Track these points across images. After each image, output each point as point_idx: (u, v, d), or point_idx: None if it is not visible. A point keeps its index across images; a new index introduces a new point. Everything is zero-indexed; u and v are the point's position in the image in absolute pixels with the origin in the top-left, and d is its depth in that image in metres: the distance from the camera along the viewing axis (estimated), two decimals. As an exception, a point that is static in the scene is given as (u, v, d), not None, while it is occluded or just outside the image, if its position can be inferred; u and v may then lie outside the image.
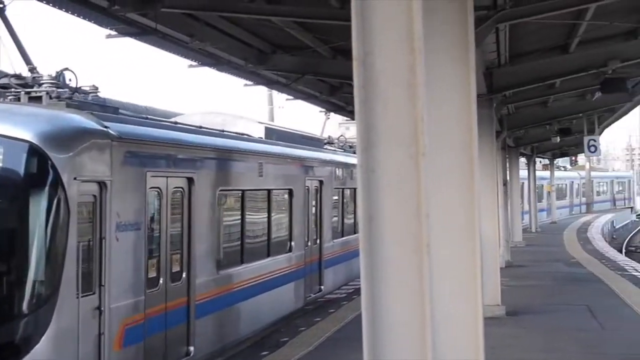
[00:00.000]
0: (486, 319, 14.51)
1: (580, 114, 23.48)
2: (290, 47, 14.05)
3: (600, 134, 25.75)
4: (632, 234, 53.61)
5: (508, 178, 30.39)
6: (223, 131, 13.27)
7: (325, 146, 20.36)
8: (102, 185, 8.68)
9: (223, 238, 12.62)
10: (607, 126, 29.41)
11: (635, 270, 23.18)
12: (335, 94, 18.55)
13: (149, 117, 11.32)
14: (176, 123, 11.97)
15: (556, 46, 14.95)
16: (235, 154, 12.93)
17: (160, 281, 10.14)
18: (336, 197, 19.72)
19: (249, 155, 13.60)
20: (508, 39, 12.93)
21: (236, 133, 13.96)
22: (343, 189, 20.13)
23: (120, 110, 10.26)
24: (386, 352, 3.22)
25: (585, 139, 23.12)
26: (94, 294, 8.58)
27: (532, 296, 17.61)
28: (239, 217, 13.36)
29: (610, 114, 25.82)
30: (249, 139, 14.29)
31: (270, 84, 16.11)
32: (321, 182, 17.87)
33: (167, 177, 10.40)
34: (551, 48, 15.04)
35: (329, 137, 22.45)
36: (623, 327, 13.54)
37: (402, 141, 3.17)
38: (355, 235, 19.81)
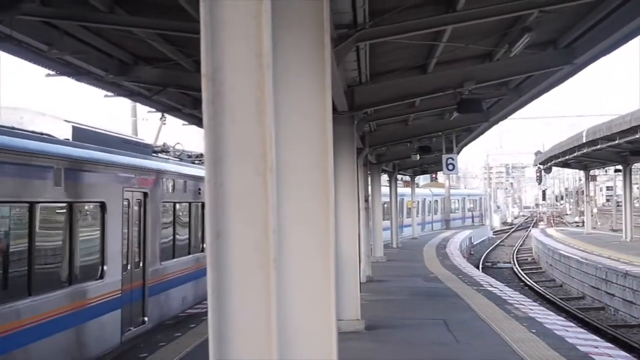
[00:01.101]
0: (346, 333, 14.85)
1: (439, 133, 24.13)
2: (153, 58, 13.89)
3: (458, 152, 26.52)
4: (488, 250, 55.48)
5: (370, 194, 30.91)
6: (14, 129, 11.39)
7: (158, 154, 18.13)
8: None
9: None
10: (464, 145, 30.32)
11: (490, 285, 23.96)
12: (198, 107, 18.32)
13: None
14: None
15: (415, 66, 15.34)
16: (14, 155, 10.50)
17: None
18: (168, 212, 17.28)
19: (37, 158, 11.16)
20: (369, 57, 13.17)
21: (32, 132, 11.87)
22: (176, 202, 17.74)
23: None
24: (232, 368, 3.22)
25: (444, 157, 23.76)
26: None
27: (392, 310, 17.95)
28: (26, 239, 10.85)
29: (468, 133, 26.64)
30: (45, 139, 12.00)
31: (132, 95, 15.85)
32: (145, 194, 15.39)
33: None
34: (411, 68, 15.41)
35: (164, 144, 20.30)
36: (477, 341, 13.94)
37: (250, 157, 3.18)
38: (192, 256, 18.71)
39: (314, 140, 5.27)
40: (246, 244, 3.17)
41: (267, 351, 3.23)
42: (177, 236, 17.73)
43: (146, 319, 15.20)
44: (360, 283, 18.07)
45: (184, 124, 19.46)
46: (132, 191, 14.67)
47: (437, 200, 67.15)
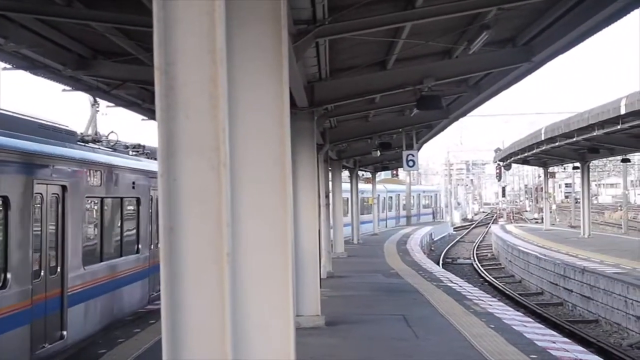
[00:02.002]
0: (306, 329, 14.85)
1: (400, 129, 24.20)
2: (112, 53, 13.77)
3: (418, 149, 26.64)
4: (449, 247, 55.83)
5: (330, 190, 30.96)
6: None
7: (88, 144, 15.93)
8: None
9: None
10: (425, 142, 30.46)
11: (450, 281, 24.14)
12: (158, 102, 18.22)
13: None
14: None
15: (375, 62, 15.38)
16: None
17: None
18: (94, 209, 15.22)
19: None
20: (328, 53, 13.18)
21: None
22: (105, 198, 15.48)
23: None
24: (186, 362, 3.21)
25: (404, 154, 23.84)
26: None
27: (352, 306, 18.00)
28: None
29: (428, 130, 26.78)
30: None
31: (90, 90, 15.68)
32: (64, 188, 13.36)
33: None
34: (371, 64, 15.45)
35: (96, 132, 17.89)
36: (436, 336, 14.05)
37: (204, 151, 3.17)
38: (124, 258, 16.64)
39: (272, 135, 5.28)
40: (200, 239, 3.17)
41: (221, 345, 3.23)
42: (105, 236, 15.60)
43: (65, 333, 13.12)
44: (320, 279, 18.11)
45: (143, 119, 19.26)
46: (46, 184, 12.68)
47: (391, 197, 64.61)
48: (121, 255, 16.58)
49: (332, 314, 15.76)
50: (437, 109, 16.74)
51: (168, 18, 3.17)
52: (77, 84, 15.09)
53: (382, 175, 63.79)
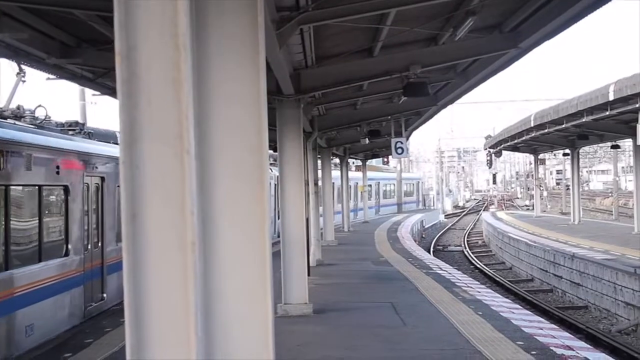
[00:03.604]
0: (294, 317, 14.84)
1: (389, 117, 24.17)
2: (96, 41, 13.68)
3: (407, 136, 26.62)
4: (440, 234, 55.92)
5: (320, 178, 30.92)
6: None
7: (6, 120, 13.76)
8: None
9: None
10: (414, 129, 30.43)
11: (440, 268, 24.15)
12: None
13: None
14: None
15: (362, 49, 15.32)
16: None
17: None
18: None
19: None
20: (314, 40, 13.12)
21: None
22: (10, 186, 12.27)
23: None
24: (150, 351, 3.17)
25: (393, 141, 23.83)
26: None
27: (340, 294, 18.00)
28: None
29: (417, 117, 26.73)
30: None
31: (75, 78, 15.57)
32: None
33: None
34: (357, 51, 15.38)
35: (18, 106, 15.03)
36: (423, 323, 14.05)
37: (167, 138, 3.13)
38: (43, 264, 13.56)
39: (248, 124, 5.22)
40: (163, 227, 3.12)
41: (186, 336, 3.19)
42: (11, 236, 12.34)
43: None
44: (309, 267, 18.11)
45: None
46: None
47: (370, 185, 59.59)
48: (40, 260, 13.51)
49: (321, 302, 15.76)
50: (424, 96, 16.68)
51: (129, 1, 3.11)
52: (61, 73, 14.98)
53: (373, 162, 62.84)
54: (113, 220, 16.86)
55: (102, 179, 16.48)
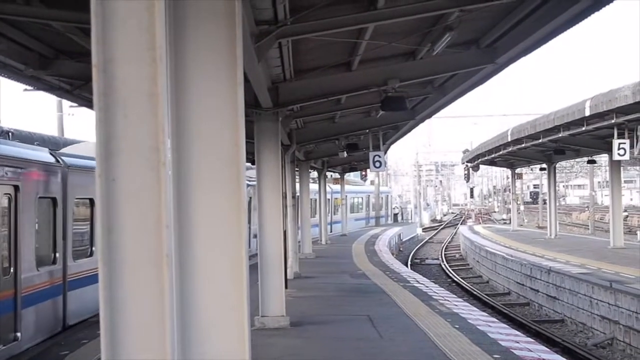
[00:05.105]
0: (271, 330, 14.82)
1: (367, 130, 24.20)
2: (74, 52, 13.63)
3: (385, 150, 26.67)
4: (417, 247, 56.00)
5: (298, 191, 30.92)
6: None
7: None
8: None
9: None
10: (392, 143, 30.52)
11: (417, 281, 24.20)
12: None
13: None
14: None
15: (340, 63, 15.36)
16: None
17: None
18: None
19: None
20: (292, 54, 13.15)
21: None
22: None
23: None
24: (125, 363, 3.17)
25: (371, 155, 23.83)
26: None
27: (317, 307, 17.99)
28: None
29: (395, 131, 26.81)
30: None
31: (53, 90, 15.49)
32: None
33: None
34: (335, 65, 15.43)
35: None
36: (400, 336, 14.08)
37: (143, 151, 3.13)
38: None
39: (225, 137, 5.25)
40: (139, 240, 3.13)
41: (161, 347, 3.19)
42: None
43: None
44: (286, 279, 18.08)
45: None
46: None
47: (336, 199, 55.92)
48: None
49: (298, 315, 15.74)
50: (401, 110, 16.76)
51: (106, 14, 3.12)
52: (38, 84, 14.91)
53: (351, 175, 62.40)
54: (32, 239, 13.64)
55: (16, 188, 13.02)
